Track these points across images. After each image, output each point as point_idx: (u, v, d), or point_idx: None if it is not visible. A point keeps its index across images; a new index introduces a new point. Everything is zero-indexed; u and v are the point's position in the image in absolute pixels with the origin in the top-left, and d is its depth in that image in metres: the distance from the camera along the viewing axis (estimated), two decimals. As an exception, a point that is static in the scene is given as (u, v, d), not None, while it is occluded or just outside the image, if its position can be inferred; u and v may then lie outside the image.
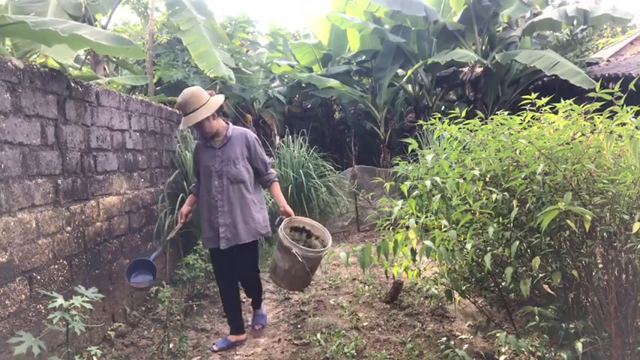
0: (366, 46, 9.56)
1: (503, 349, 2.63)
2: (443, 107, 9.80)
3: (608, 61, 10.79)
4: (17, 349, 2.10)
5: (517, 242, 2.27)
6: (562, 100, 2.77)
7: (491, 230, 2.28)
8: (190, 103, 3.17)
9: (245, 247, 3.36)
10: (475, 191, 2.56)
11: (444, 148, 3.20)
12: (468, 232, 2.43)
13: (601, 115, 2.45)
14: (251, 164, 3.40)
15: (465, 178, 2.51)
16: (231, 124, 3.44)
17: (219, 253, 3.36)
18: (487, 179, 2.66)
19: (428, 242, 2.35)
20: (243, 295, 3.87)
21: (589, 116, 2.65)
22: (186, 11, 6.36)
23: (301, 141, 7.32)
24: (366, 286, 4.60)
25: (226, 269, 3.45)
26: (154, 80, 7.01)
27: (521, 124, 2.80)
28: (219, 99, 3.30)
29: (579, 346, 2.05)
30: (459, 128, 3.04)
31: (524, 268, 2.56)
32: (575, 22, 8.25)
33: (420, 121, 4.32)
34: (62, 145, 2.92)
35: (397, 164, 3.51)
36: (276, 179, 3.53)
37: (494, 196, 2.40)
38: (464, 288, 3.05)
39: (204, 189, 3.36)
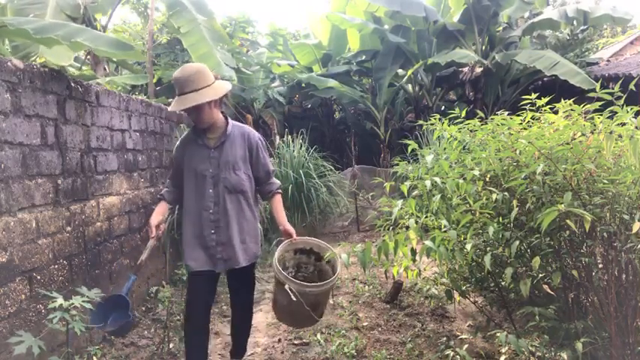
0: (366, 46, 9.58)
1: (503, 349, 2.63)
2: (443, 107, 9.81)
3: (608, 61, 10.79)
4: (17, 349, 2.10)
5: (517, 242, 2.27)
6: (562, 100, 2.76)
7: (491, 230, 2.28)
8: (193, 81, 2.55)
9: (242, 272, 2.80)
10: (475, 191, 2.56)
11: (444, 149, 3.19)
12: (468, 232, 2.43)
13: (601, 115, 2.45)
14: (252, 169, 2.81)
15: (464, 178, 2.51)
16: (230, 119, 2.83)
17: (206, 279, 2.73)
18: (487, 179, 2.66)
19: (428, 242, 2.35)
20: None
21: (589, 116, 2.65)
22: (186, 12, 6.35)
23: (301, 141, 7.33)
24: (366, 286, 4.60)
25: (207, 301, 2.80)
26: (154, 80, 7.01)
27: (521, 124, 2.80)
28: (226, 85, 2.72)
29: (579, 346, 2.05)
30: (459, 128, 3.04)
31: (524, 268, 2.56)
32: (575, 23, 8.26)
33: (420, 121, 4.32)
34: (62, 145, 2.92)
35: (397, 164, 3.51)
36: (280, 191, 2.91)
37: (494, 196, 2.40)
38: (464, 288, 3.05)
39: (194, 197, 2.71)
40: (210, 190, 2.68)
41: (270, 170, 2.88)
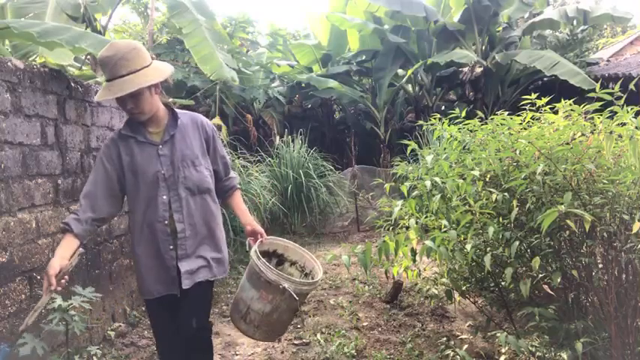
0: (365, 46, 9.58)
1: (503, 350, 2.63)
2: (443, 107, 9.82)
3: (608, 61, 10.80)
4: (22, 351, 2.11)
5: (517, 242, 2.27)
6: (562, 100, 2.77)
7: (491, 230, 2.28)
8: (129, 60, 1.98)
9: (203, 288, 2.22)
10: (475, 191, 2.56)
11: (444, 149, 3.20)
12: (468, 233, 2.43)
13: (601, 115, 2.45)
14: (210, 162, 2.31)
15: (464, 179, 2.51)
16: (174, 107, 2.26)
17: (169, 303, 2.19)
18: (487, 179, 2.66)
19: (428, 242, 2.35)
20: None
21: (589, 116, 2.65)
22: (188, 13, 6.36)
23: (301, 141, 7.33)
24: (366, 286, 4.60)
25: (174, 328, 2.24)
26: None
27: (521, 124, 2.80)
28: (167, 66, 2.16)
29: (579, 346, 2.05)
30: (459, 128, 3.04)
31: (524, 269, 2.56)
32: (575, 22, 8.29)
33: (420, 122, 4.33)
34: (62, 145, 2.92)
35: (397, 164, 3.51)
36: (240, 185, 2.49)
37: (494, 197, 2.40)
38: (464, 288, 3.05)
39: (142, 208, 2.14)
40: (164, 197, 2.12)
41: (228, 162, 2.43)
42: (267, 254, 2.50)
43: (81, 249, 2.04)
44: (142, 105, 2.05)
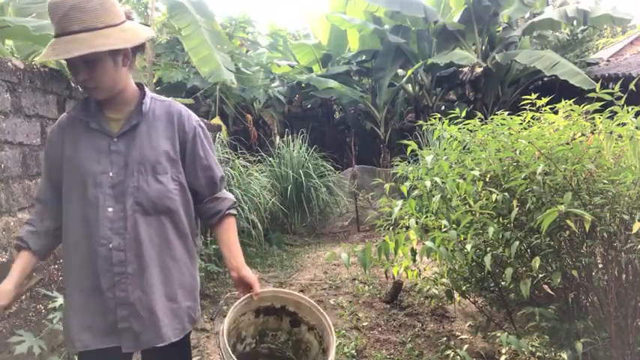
0: (365, 46, 9.60)
1: (503, 350, 2.63)
2: (443, 107, 9.83)
3: (608, 61, 10.81)
4: (18, 349, 2.11)
5: (517, 242, 2.27)
6: (562, 100, 2.77)
7: (491, 230, 2.28)
8: (84, 12, 1.40)
9: (170, 351, 1.62)
10: (475, 191, 2.56)
11: (444, 149, 3.20)
12: (468, 233, 2.44)
13: (601, 115, 2.45)
14: (185, 175, 1.64)
15: (464, 179, 2.51)
16: (148, 89, 1.65)
17: None
18: (487, 179, 2.67)
19: (428, 242, 2.35)
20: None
21: (589, 116, 2.65)
22: (187, 14, 6.37)
23: (301, 141, 7.34)
24: (366, 286, 4.60)
25: None
26: (154, 80, 7.02)
27: (521, 124, 2.80)
28: (144, 30, 1.56)
29: (579, 346, 2.05)
30: (459, 128, 3.04)
31: (524, 269, 2.56)
32: (575, 23, 8.29)
33: (420, 122, 4.33)
34: (62, 145, 2.92)
35: (397, 164, 3.51)
36: (232, 211, 1.72)
37: (494, 197, 2.40)
38: (464, 288, 3.05)
39: (80, 222, 1.53)
40: (110, 210, 1.52)
41: (216, 176, 1.69)
42: (275, 311, 1.84)
43: (35, 275, 1.54)
44: (99, 77, 1.47)
